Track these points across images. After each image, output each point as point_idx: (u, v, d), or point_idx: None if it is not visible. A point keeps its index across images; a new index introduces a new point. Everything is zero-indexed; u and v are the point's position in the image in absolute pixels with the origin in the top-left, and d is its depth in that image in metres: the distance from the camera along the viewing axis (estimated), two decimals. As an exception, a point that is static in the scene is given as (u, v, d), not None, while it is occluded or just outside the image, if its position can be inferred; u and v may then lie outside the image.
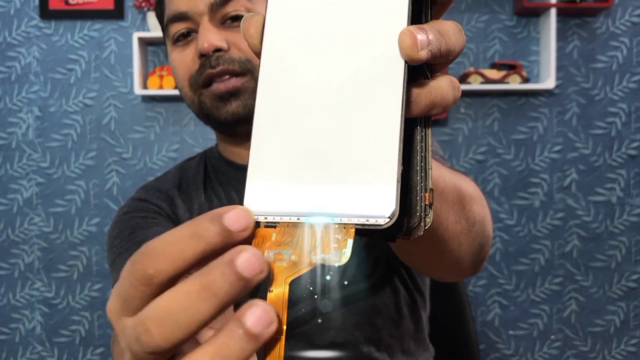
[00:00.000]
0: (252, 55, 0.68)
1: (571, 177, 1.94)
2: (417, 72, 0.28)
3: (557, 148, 1.93)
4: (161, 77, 1.83)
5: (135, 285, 0.24)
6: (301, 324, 0.69)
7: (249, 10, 0.69)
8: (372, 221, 0.25)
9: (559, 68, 1.91)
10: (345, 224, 0.25)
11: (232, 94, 0.69)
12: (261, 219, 0.26)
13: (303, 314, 0.69)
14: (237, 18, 0.69)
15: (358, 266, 0.62)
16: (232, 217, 0.23)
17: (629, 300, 1.94)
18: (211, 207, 0.74)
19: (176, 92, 1.82)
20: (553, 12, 1.82)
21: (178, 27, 0.70)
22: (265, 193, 0.27)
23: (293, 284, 0.26)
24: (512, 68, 1.85)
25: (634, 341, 1.95)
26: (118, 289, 0.25)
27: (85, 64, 1.93)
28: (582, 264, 1.94)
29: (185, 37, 0.71)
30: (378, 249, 0.71)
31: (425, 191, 0.29)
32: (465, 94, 1.93)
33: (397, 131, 0.26)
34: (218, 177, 0.79)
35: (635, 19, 1.93)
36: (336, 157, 0.26)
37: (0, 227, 1.94)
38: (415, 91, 0.27)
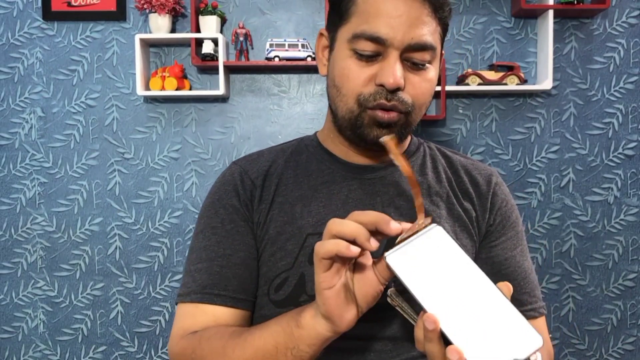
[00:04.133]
0: (417, 99, 0.75)
1: (568, 177, 1.95)
2: None
3: (555, 148, 1.95)
4: (163, 78, 1.84)
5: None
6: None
7: (429, 63, 0.75)
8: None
9: (556, 69, 1.92)
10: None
11: (389, 124, 0.75)
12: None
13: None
14: (417, 65, 0.74)
15: None
16: None
17: (626, 299, 1.96)
18: (279, 204, 0.82)
19: (177, 93, 1.84)
20: (550, 13, 1.83)
21: (368, 47, 0.73)
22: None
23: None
24: (509, 69, 1.86)
25: (630, 340, 1.96)
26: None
27: (88, 65, 1.94)
28: (580, 263, 1.96)
29: (369, 57, 0.74)
30: None
31: None
32: (463, 95, 1.95)
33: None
34: (309, 165, 0.85)
35: (632, 20, 1.94)
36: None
37: (4, 226, 1.96)
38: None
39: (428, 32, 0.73)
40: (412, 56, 0.73)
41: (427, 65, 0.75)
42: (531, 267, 0.85)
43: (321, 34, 0.84)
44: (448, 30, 0.80)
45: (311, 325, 0.62)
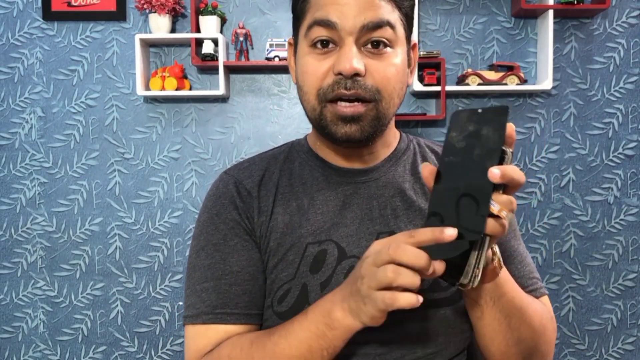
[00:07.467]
0: (382, 85, 0.72)
1: (568, 177, 1.95)
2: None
3: (555, 148, 1.95)
4: (163, 78, 1.84)
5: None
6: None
7: (390, 40, 0.73)
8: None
9: (556, 69, 1.92)
10: None
11: (355, 118, 0.73)
12: None
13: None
14: (377, 44, 0.72)
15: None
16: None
17: (626, 299, 1.96)
18: (283, 208, 0.80)
19: (177, 93, 1.84)
20: (550, 13, 1.83)
21: (320, 32, 0.72)
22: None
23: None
24: (509, 69, 1.86)
25: (630, 340, 1.96)
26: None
27: (88, 65, 1.95)
28: (580, 263, 1.96)
29: (324, 46, 0.73)
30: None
31: (477, 269, 0.57)
32: (463, 95, 1.95)
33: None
34: (303, 173, 0.83)
35: (632, 20, 1.94)
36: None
37: (4, 226, 1.96)
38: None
39: (384, 12, 0.72)
40: (371, 36, 0.71)
41: (389, 49, 0.73)
42: (525, 250, 0.86)
43: (289, 43, 0.83)
44: (413, 23, 0.79)
45: (346, 324, 0.63)
